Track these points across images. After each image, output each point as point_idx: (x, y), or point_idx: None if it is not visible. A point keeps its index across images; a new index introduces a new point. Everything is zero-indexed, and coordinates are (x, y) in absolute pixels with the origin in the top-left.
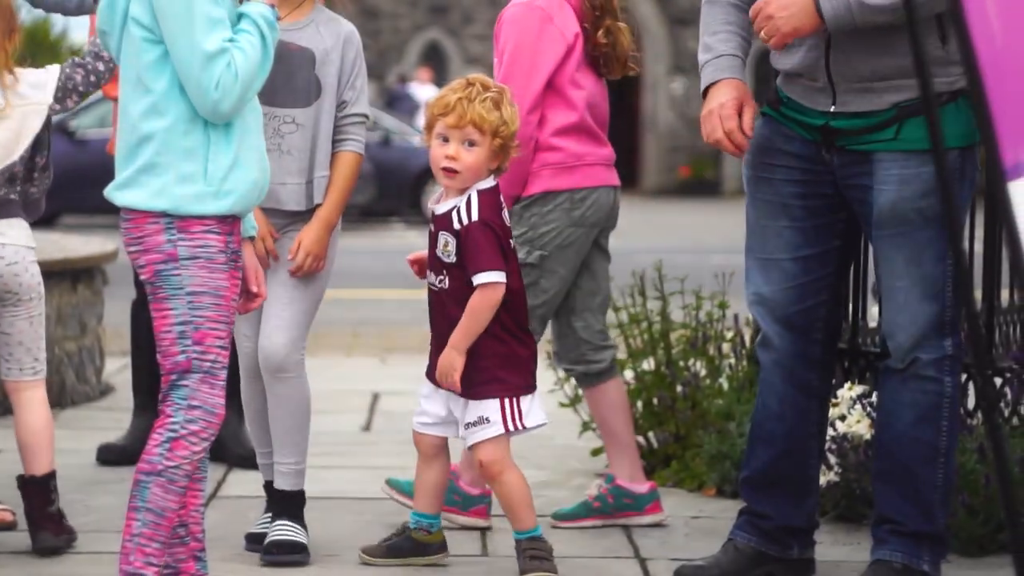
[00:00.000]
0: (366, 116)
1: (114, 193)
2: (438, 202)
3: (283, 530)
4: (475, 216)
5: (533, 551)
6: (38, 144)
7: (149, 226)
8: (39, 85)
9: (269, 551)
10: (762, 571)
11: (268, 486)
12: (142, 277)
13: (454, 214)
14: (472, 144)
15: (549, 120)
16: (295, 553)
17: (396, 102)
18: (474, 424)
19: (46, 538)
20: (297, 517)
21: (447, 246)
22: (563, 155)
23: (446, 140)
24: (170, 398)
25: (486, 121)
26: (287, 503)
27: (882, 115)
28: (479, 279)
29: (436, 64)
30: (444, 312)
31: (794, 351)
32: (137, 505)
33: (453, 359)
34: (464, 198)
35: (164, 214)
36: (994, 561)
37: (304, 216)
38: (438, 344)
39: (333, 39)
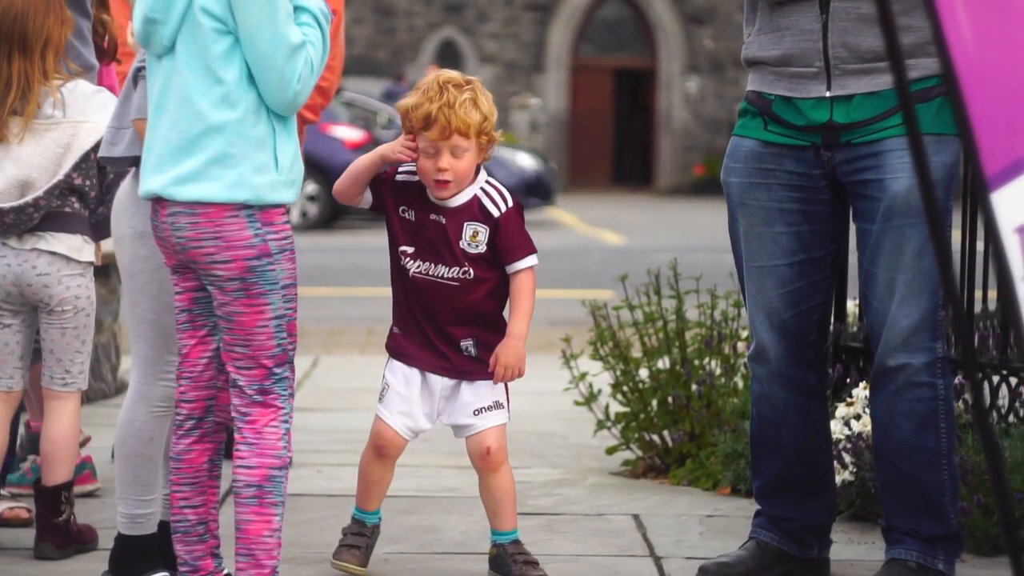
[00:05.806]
0: None
1: (177, 189)
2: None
3: None
4: (510, 202)
5: (524, 556)
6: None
7: (228, 220)
8: (103, 107)
9: None
10: (783, 569)
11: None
12: (220, 272)
13: (486, 204)
14: (461, 151)
15: None
16: None
17: (393, 100)
18: (488, 409)
19: (46, 548)
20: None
21: (476, 236)
22: None
23: (432, 153)
24: (275, 391)
25: (471, 126)
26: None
27: (887, 98)
28: (528, 262)
29: (451, 62)
30: (451, 304)
31: (789, 357)
32: (275, 500)
33: (519, 348)
34: (480, 187)
35: (245, 205)
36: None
37: None
38: (424, 337)
39: None
